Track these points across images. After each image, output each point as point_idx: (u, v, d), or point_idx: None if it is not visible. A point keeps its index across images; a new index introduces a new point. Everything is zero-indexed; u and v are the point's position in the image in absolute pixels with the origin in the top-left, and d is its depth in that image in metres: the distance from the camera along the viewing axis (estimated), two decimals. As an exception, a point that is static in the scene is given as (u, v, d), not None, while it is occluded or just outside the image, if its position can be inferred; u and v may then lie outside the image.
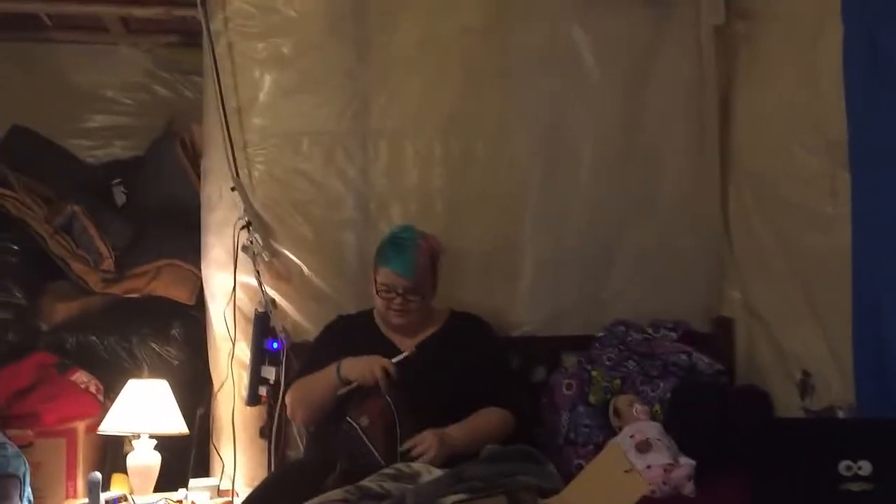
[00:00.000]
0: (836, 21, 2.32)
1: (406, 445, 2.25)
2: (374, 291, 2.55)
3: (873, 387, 2.24)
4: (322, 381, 2.42)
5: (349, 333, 2.58)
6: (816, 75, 2.48)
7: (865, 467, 1.79)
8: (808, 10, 2.52)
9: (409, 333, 2.56)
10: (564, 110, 2.95)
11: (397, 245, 2.54)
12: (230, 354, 2.78)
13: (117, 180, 3.51)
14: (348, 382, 2.36)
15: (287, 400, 2.52)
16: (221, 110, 2.75)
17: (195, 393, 3.02)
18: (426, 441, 2.26)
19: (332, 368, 2.39)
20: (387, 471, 2.09)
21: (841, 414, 2.24)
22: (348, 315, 2.68)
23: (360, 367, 2.36)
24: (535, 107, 2.93)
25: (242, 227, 2.74)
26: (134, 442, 2.77)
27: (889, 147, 2.18)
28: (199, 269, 2.96)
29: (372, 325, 2.60)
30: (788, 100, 2.64)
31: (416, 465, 2.07)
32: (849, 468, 1.82)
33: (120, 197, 3.52)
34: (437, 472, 2.00)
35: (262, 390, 2.71)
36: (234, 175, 2.76)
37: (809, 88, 2.51)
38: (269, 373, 2.69)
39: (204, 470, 2.89)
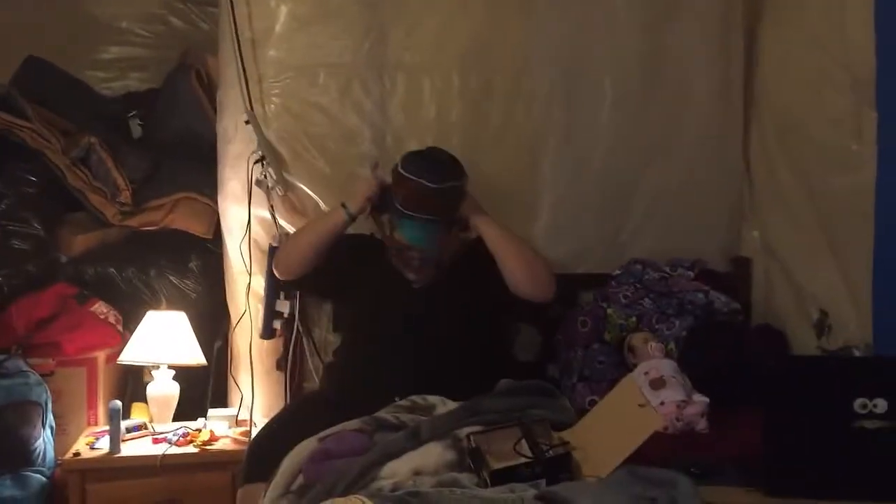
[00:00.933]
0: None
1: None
2: (384, 231, 2.53)
3: (891, 327, 2.24)
4: (322, 221, 2.55)
5: (363, 252, 2.57)
6: (845, 13, 2.42)
7: (881, 405, 1.79)
8: (837, -55, 2.44)
9: (419, 278, 2.53)
10: (586, 46, 2.88)
11: None
12: (247, 287, 2.78)
13: (133, 112, 3.49)
14: (353, 218, 2.47)
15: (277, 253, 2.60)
16: (235, 42, 2.70)
17: (213, 325, 3.05)
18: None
19: (335, 208, 2.51)
20: (402, 402, 2.12)
21: (857, 353, 2.24)
22: (371, 236, 2.66)
23: (356, 195, 2.47)
24: (557, 42, 2.87)
25: (256, 161, 2.72)
26: (153, 372, 2.81)
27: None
28: (216, 203, 2.96)
29: (385, 255, 2.57)
30: (816, 37, 2.57)
31: (431, 398, 2.09)
32: (864, 406, 1.82)
33: (136, 129, 3.50)
34: (452, 405, 2.02)
35: (277, 324, 2.72)
36: (248, 108, 2.73)
37: (838, 26, 2.45)
38: (284, 306, 2.70)
39: (222, 401, 2.93)
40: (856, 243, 2.35)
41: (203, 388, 2.98)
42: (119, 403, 2.61)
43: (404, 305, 2.46)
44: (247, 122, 2.73)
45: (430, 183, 2.43)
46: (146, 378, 2.88)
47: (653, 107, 2.90)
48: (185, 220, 3.17)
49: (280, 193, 2.75)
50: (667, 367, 2.46)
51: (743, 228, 2.98)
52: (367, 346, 2.38)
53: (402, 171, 2.47)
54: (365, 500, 1.41)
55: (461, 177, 2.51)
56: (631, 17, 2.86)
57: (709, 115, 2.92)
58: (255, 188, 2.74)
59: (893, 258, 2.24)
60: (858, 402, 1.82)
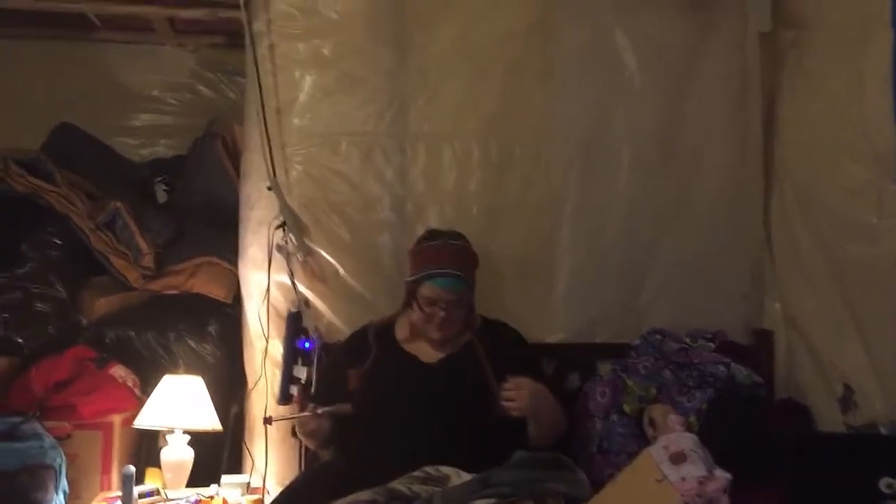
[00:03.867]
0: (885, 28, 2.26)
1: (506, 387, 2.28)
2: (409, 301, 2.51)
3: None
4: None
5: (370, 349, 2.50)
6: (864, 84, 2.43)
7: (907, 485, 1.74)
8: (855, 17, 2.46)
9: (442, 343, 2.49)
10: (604, 115, 2.92)
11: None
12: (264, 352, 2.78)
13: (160, 178, 3.56)
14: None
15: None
16: (261, 110, 2.76)
17: (230, 390, 3.04)
18: (522, 387, 2.28)
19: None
20: (416, 473, 2.08)
21: (883, 430, 2.18)
22: (369, 327, 2.59)
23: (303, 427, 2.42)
24: (575, 111, 2.91)
25: (277, 227, 2.75)
26: (168, 437, 2.80)
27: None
28: (237, 268, 2.98)
29: (391, 337, 2.54)
30: (835, 109, 2.58)
31: (445, 469, 2.06)
32: (890, 486, 1.77)
33: (162, 195, 3.57)
34: (466, 477, 1.99)
35: (294, 389, 2.71)
36: (271, 175, 2.77)
37: (857, 97, 2.46)
38: (301, 372, 2.69)
39: (236, 467, 2.91)
40: (879, 317, 2.32)
41: (218, 455, 2.96)
42: (132, 469, 2.59)
43: (417, 381, 2.42)
44: (269, 189, 2.76)
45: (448, 241, 2.52)
46: (161, 443, 2.86)
47: (670, 174, 2.92)
48: (205, 285, 3.19)
49: (300, 259, 2.76)
50: (688, 442, 2.40)
51: (765, 299, 2.95)
52: (380, 420, 2.35)
53: (420, 245, 2.54)
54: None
55: (470, 244, 2.57)
56: (648, 86, 2.90)
57: (726, 182, 2.93)
58: (275, 253, 2.76)
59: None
60: (884, 481, 1.77)
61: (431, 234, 2.59)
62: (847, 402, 2.40)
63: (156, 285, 3.20)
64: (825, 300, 2.61)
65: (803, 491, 1.88)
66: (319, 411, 2.34)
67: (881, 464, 1.77)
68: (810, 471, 1.88)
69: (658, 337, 2.83)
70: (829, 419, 2.50)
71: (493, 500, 1.79)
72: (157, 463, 2.83)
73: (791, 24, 2.82)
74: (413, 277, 2.49)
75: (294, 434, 2.68)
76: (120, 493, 2.60)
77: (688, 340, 2.82)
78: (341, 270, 2.83)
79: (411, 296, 2.50)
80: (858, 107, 2.45)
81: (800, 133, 2.82)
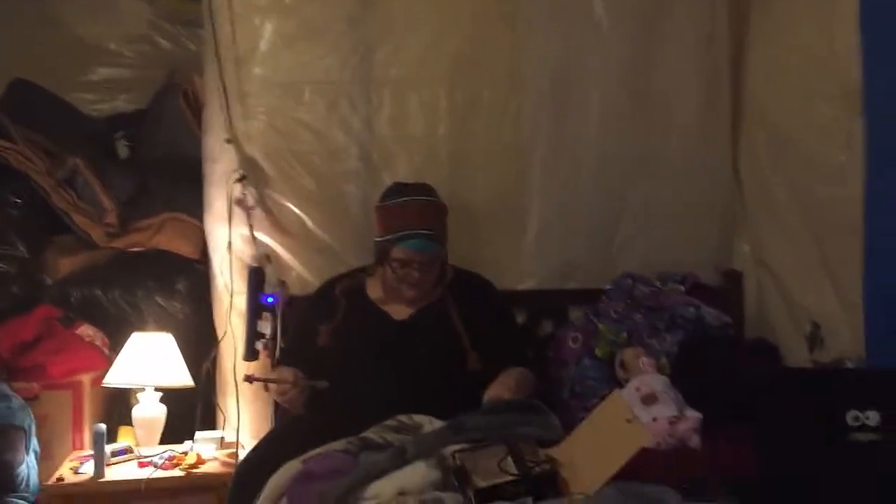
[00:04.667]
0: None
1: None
2: (380, 261, 2.46)
3: (884, 338, 2.21)
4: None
5: (338, 304, 2.46)
6: (832, 23, 2.42)
7: (873, 417, 1.76)
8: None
9: (414, 300, 2.46)
10: (573, 60, 2.88)
11: None
12: (229, 308, 2.75)
13: (120, 133, 3.47)
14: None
15: None
16: (217, 60, 2.69)
17: (201, 347, 3.00)
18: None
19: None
20: (389, 422, 2.08)
21: (850, 365, 2.21)
22: (338, 279, 2.56)
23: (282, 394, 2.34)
24: (543, 56, 2.87)
25: (236, 180, 2.70)
26: (139, 395, 2.77)
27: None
28: (203, 223, 2.93)
29: (363, 295, 2.50)
30: (804, 49, 2.58)
31: (418, 417, 2.06)
32: (856, 418, 1.79)
33: (123, 150, 3.49)
34: (439, 424, 1.99)
35: (259, 345, 2.68)
36: (229, 126, 2.71)
37: (825, 37, 2.45)
38: (265, 327, 2.66)
39: (210, 423, 2.89)
40: (846, 255, 2.34)
41: (192, 411, 2.94)
42: (103, 427, 2.57)
43: (389, 337, 2.40)
44: (228, 141, 2.70)
45: (416, 197, 2.44)
46: (133, 401, 2.84)
47: (640, 120, 2.90)
48: (171, 241, 3.14)
49: (261, 213, 2.72)
50: (658, 383, 2.43)
51: (735, 241, 2.96)
52: (351, 375, 2.34)
53: (386, 203, 2.47)
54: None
55: (438, 197, 2.50)
56: (616, 31, 2.86)
57: (697, 127, 2.91)
58: (235, 207, 2.71)
59: (884, 269, 2.22)
60: (851, 414, 1.79)
61: (398, 189, 2.51)
62: (814, 339, 2.43)
63: (121, 243, 3.13)
64: (794, 240, 2.63)
65: (772, 426, 1.90)
66: (301, 382, 2.31)
67: (848, 397, 1.80)
68: (779, 407, 1.90)
69: (629, 281, 2.84)
70: (798, 357, 2.53)
71: (464, 445, 1.79)
72: (129, 421, 2.81)
73: (759, -38, 2.79)
74: (383, 238, 2.44)
75: (247, 380, 2.66)
76: (92, 452, 2.58)
77: (658, 284, 2.84)
78: (308, 222, 2.79)
79: (383, 256, 2.45)
80: (826, 45, 2.43)
81: (768, 74, 2.81)
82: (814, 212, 2.54)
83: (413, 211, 2.42)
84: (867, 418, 1.77)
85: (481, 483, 1.68)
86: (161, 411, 2.78)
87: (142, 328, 2.93)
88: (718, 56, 2.89)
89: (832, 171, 2.41)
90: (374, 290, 2.51)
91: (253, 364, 2.71)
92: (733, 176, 2.93)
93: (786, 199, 2.67)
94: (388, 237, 2.42)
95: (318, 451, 2.01)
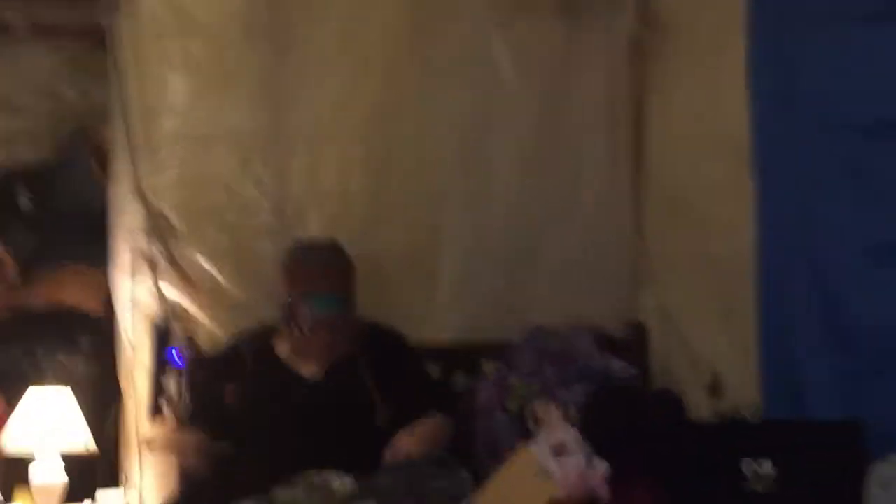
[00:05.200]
0: (739, 34, 2.38)
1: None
2: (289, 322, 2.43)
3: (778, 386, 2.31)
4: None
5: (244, 364, 2.43)
6: (721, 86, 2.56)
7: (766, 466, 1.83)
8: (711, 21, 2.58)
9: (321, 359, 2.44)
10: (483, 116, 2.95)
11: None
12: (132, 365, 2.69)
13: (21, 186, 3.37)
14: None
15: None
16: (122, 113, 2.66)
17: (105, 406, 2.91)
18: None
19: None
20: (297, 480, 2.05)
21: (746, 415, 2.29)
22: (244, 338, 2.53)
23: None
24: (455, 112, 2.92)
25: (144, 234, 2.66)
26: (36, 461, 2.65)
27: (791, 155, 2.25)
28: (108, 276, 2.86)
29: (269, 353, 2.47)
30: (695, 111, 2.71)
31: (326, 474, 2.03)
32: (752, 469, 1.86)
33: (25, 203, 3.37)
34: (347, 479, 1.97)
35: (163, 402, 2.62)
36: (136, 180, 2.67)
37: (715, 99, 2.59)
38: (171, 385, 2.60)
39: (113, 481, 2.78)
40: (742, 307, 2.44)
41: (93, 469, 2.83)
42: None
43: (298, 396, 2.39)
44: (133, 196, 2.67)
45: (322, 256, 2.44)
46: (30, 460, 2.71)
47: (549, 177, 2.97)
48: (75, 296, 3.06)
49: (167, 269, 2.68)
50: (568, 434, 2.46)
51: (640, 294, 3.05)
52: (259, 434, 2.30)
53: (292, 263, 2.47)
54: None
55: (345, 254, 2.51)
56: (522, 94, 2.94)
57: (602, 181, 2.99)
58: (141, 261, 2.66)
59: (779, 320, 2.32)
60: (744, 463, 1.86)
61: (302, 249, 2.51)
62: (715, 388, 2.51)
63: (21, 299, 3.03)
64: (694, 293, 2.73)
65: (675, 475, 1.95)
66: (204, 448, 2.25)
67: (743, 446, 1.86)
68: (681, 457, 1.95)
69: (540, 334, 2.88)
70: (701, 407, 2.60)
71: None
72: (26, 479, 2.67)
73: (656, 28, 2.93)
74: (290, 300, 2.43)
75: (148, 446, 2.59)
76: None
77: (569, 336, 2.89)
78: (220, 277, 2.75)
79: (290, 316, 2.43)
80: (716, 108, 2.57)
81: (664, 134, 2.93)
82: (710, 265, 2.64)
83: (319, 271, 2.41)
84: (760, 467, 1.83)
85: (391, 543, 1.67)
86: (61, 477, 2.66)
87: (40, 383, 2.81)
88: (618, 116, 2.99)
89: (725, 226, 2.53)
90: (282, 348, 2.48)
91: (157, 422, 2.64)
92: (636, 232, 3.03)
93: (685, 254, 2.78)
94: (295, 297, 2.40)
95: (225, 512, 1.96)
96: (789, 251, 2.30)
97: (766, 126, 2.35)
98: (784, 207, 2.31)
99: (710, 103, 2.58)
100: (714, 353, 2.60)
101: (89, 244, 3.05)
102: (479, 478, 2.13)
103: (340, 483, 2.01)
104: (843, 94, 2.21)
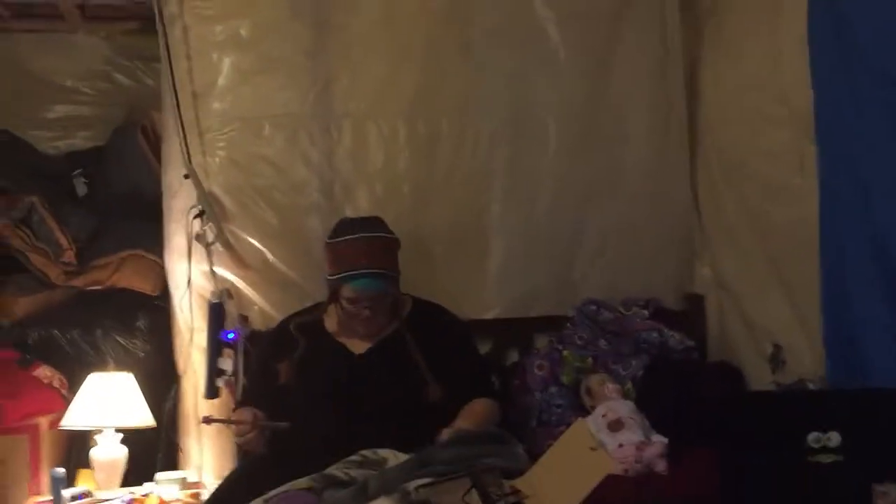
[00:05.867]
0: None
1: None
2: (332, 299, 2.43)
3: (842, 358, 2.23)
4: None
5: (296, 341, 2.43)
6: (781, 48, 2.46)
7: (834, 438, 1.77)
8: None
9: (370, 335, 2.44)
10: (529, 88, 2.91)
11: None
12: (190, 345, 2.72)
13: (78, 171, 3.43)
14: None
15: None
16: (174, 95, 2.67)
17: (162, 386, 2.96)
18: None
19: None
20: (352, 458, 2.05)
21: (811, 386, 2.23)
22: (293, 317, 2.53)
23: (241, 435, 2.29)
24: (499, 85, 2.90)
25: (195, 216, 2.68)
26: (98, 436, 2.71)
27: (853, 117, 2.16)
28: (163, 259, 2.90)
29: (321, 330, 2.47)
30: (754, 74, 2.61)
31: (382, 452, 2.03)
32: (818, 440, 1.80)
33: (81, 188, 3.44)
34: (404, 458, 1.96)
35: (221, 382, 2.64)
36: (187, 162, 2.69)
37: (774, 62, 2.49)
38: (227, 364, 2.63)
39: (172, 463, 2.84)
40: (804, 276, 2.36)
41: (153, 452, 2.89)
42: (62, 471, 2.51)
43: (348, 371, 2.39)
44: (186, 177, 2.68)
45: (364, 234, 2.41)
46: (92, 443, 2.77)
47: (597, 145, 2.93)
48: (131, 279, 3.11)
49: (220, 249, 2.69)
50: (624, 409, 2.44)
51: (695, 265, 2.98)
52: (313, 410, 2.31)
53: (334, 239, 2.45)
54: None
55: (389, 231, 2.47)
56: (570, 62, 2.90)
57: (652, 150, 2.94)
58: (195, 243, 2.69)
59: (841, 289, 2.24)
60: (812, 436, 1.80)
61: (346, 226, 2.48)
62: (776, 360, 2.44)
63: (79, 281, 3.09)
64: (752, 262, 2.65)
65: (736, 449, 1.90)
66: (260, 423, 2.27)
67: (809, 419, 1.80)
68: (742, 429, 1.90)
69: (593, 307, 2.84)
70: (760, 379, 2.54)
71: (429, 480, 1.77)
72: (88, 464, 2.74)
73: (710, -14, 2.84)
74: (333, 277, 2.42)
75: (205, 421, 2.61)
76: (50, 498, 2.52)
77: (622, 309, 2.85)
78: (270, 256, 2.77)
79: (334, 293, 2.43)
80: (776, 71, 2.48)
81: (721, 99, 2.85)
82: (770, 234, 2.56)
83: (361, 249, 2.39)
84: (829, 440, 1.78)
85: (445, 517, 1.66)
86: (121, 453, 2.72)
87: (101, 368, 2.87)
88: (672, 83, 2.93)
89: (786, 193, 2.45)
90: (330, 323, 2.49)
91: (215, 402, 2.67)
92: (692, 201, 2.96)
93: (742, 223, 2.70)
94: (336, 276, 2.40)
95: (281, 489, 1.97)
96: (850, 217, 2.20)
97: (827, 87, 2.25)
98: (845, 172, 2.22)
99: (768, 66, 2.49)
100: (774, 323, 2.53)
101: (144, 227, 3.10)
102: (533, 453, 2.11)
103: (394, 458, 2.00)
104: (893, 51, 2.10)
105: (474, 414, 2.29)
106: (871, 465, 1.75)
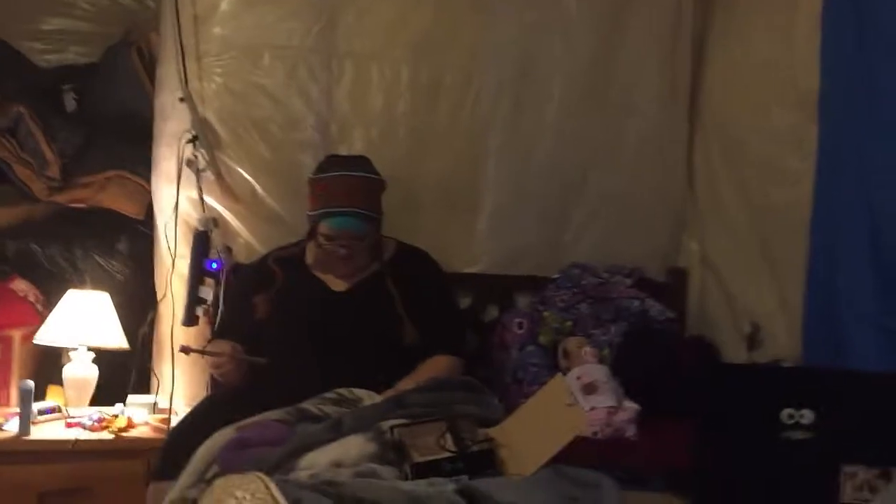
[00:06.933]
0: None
1: None
2: (311, 235, 2.42)
3: (820, 342, 2.25)
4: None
5: (275, 274, 2.42)
6: (793, 26, 2.44)
7: (807, 416, 1.79)
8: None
9: (347, 275, 2.43)
10: (537, 45, 2.88)
11: None
12: (171, 271, 2.69)
13: (68, 85, 3.35)
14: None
15: None
16: (175, 16, 2.61)
17: (139, 309, 2.93)
18: None
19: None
20: (328, 395, 2.05)
21: (786, 365, 2.25)
22: (275, 253, 2.51)
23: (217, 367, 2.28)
24: (508, 39, 2.86)
25: (188, 141, 2.63)
26: (70, 353, 2.69)
27: (864, 101, 2.15)
28: (150, 183, 2.86)
29: (302, 266, 2.46)
30: (763, 53, 2.60)
31: (358, 391, 2.04)
32: (791, 416, 1.82)
33: (70, 103, 3.35)
34: (378, 398, 1.97)
35: (200, 311, 2.63)
36: (184, 85, 2.64)
37: (785, 40, 2.47)
38: (207, 293, 2.61)
39: (144, 387, 2.82)
40: (790, 257, 2.37)
41: (126, 374, 2.87)
42: (31, 383, 2.49)
43: (326, 308, 2.38)
44: (181, 100, 2.63)
45: (348, 172, 2.39)
46: (64, 360, 2.75)
47: (599, 110, 2.90)
48: (116, 200, 3.05)
49: (211, 177, 2.66)
50: (599, 373, 2.45)
51: (683, 239, 2.99)
52: (289, 346, 2.30)
53: (318, 176, 2.43)
54: (263, 477, 1.34)
55: (374, 171, 2.45)
56: (583, 21, 2.86)
57: (654, 122, 2.93)
58: (187, 168, 2.64)
59: (825, 272, 2.25)
60: (785, 412, 1.81)
61: (331, 163, 2.46)
62: (754, 339, 2.46)
63: (62, 198, 3.03)
64: (740, 240, 2.66)
65: (708, 421, 1.91)
66: (238, 356, 2.26)
67: (783, 395, 1.82)
68: (715, 402, 1.91)
69: (577, 271, 2.85)
70: (736, 357, 2.57)
71: (403, 420, 1.78)
72: (59, 381, 2.73)
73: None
74: (312, 213, 2.40)
75: (183, 351, 2.59)
76: (18, 410, 2.50)
77: (606, 275, 2.85)
78: (259, 190, 2.74)
79: (313, 230, 2.42)
80: (786, 50, 2.46)
81: (727, 77, 2.83)
82: (762, 214, 2.57)
83: (343, 187, 2.37)
84: (802, 416, 1.79)
85: (418, 458, 1.67)
86: (93, 372, 2.70)
87: (78, 286, 2.84)
88: (680, 53, 2.91)
89: (784, 174, 2.45)
90: (311, 257, 2.47)
91: (191, 330, 2.65)
92: (686, 174, 2.95)
93: (735, 201, 2.70)
94: (316, 212, 2.38)
95: (253, 419, 1.97)
96: (845, 203, 2.21)
97: (836, 72, 2.24)
98: (844, 158, 2.22)
99: (778, 47, 2.47)
100: (755, 303, 2.55)
101: (132, 149, 3.05)
102: (507, 408, 2.12)
103: (369, 398, 2.00)
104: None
105: (434, 371, 2.28)
106: (842, 445, 1.76)
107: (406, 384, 2.18)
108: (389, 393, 2.10)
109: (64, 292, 2.76)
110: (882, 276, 2.07)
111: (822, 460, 1.77)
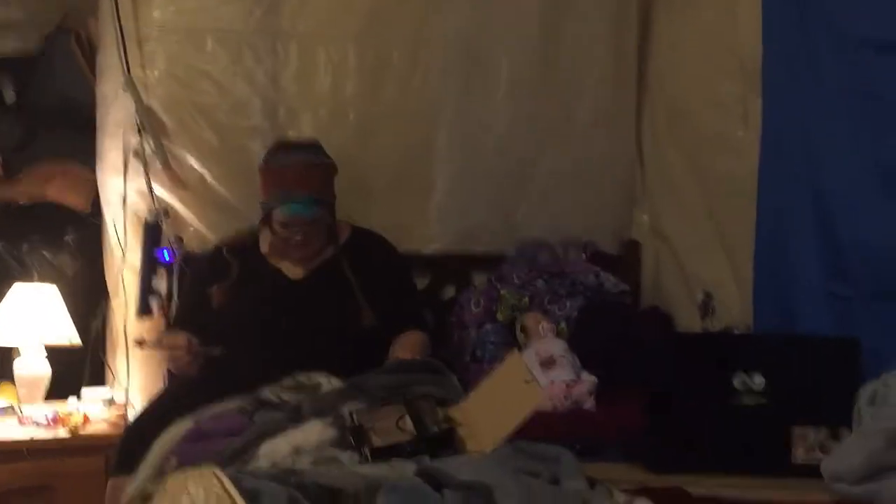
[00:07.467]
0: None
1: None
2: (265, 222, 2.39)
3: (770, 310, 2.30)
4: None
5: (230, 264, 2.38)
6: (737, 2, 2.46)
7: (758, 380, 1.83)
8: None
9: (304, 260, 2.41)
10: (484, 25, 2.87)
11: None
12: (121, 263, 2.64)
13: (6, 77, 3.25)
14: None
15: None
16: (112, 2, 2.55)
17: (90, 303, 2.89)
18: None
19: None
20: (286, 381, 2.03)
21: (737, 332, 2.29)
22: (229, 242, 2.47)
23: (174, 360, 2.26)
24: (455, 19, 2.84)
25: (137, 131, 2.58)
26: (21, 349, 2.63)
27: (804, 74, 2.19)
28: (96, 174, 2.80)
29: (257, 255, 2.44)
30: (707, 26, 2.63)
31: (316, 376, 2.02)
32: (743, 382, 1.86)
33: (10, 95, 3.26)
34: (336, 382, 1.96)
35: (154, 302, 2.59)
36: (126, 72, 2.58)
37: (728, 12, 2.50)
38: (161, 284, 2.57)
39: (99, 381, 2.78)
40: (739, 227, 2.42)
41: (79, 368, 2.82)
42: (-21, 384, 2.44)
43: (283, 296, 2.37)
44: (125, 89, 2.58)
45: (298, 157, 2.37)
46: (14, 355, 2.69)
47: (548, 89, 2.91)
48: (61, 192, 2.98)
49: (159, 165, 2.61)
50: (557, 347, 2.48)
51: (634, 212, 3.03)
52: (246, 335, 2.28)
53: (268, 164, 2.40)
54: (216, 471, 1.33)
55: (325, 155, 2.43)
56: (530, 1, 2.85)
57: (602, 100, 2.94)
58: (132, 159, 2.59)
59: (773, 241, 2.30)
60: (738, 378, 1.86)
61: (281, 149, 2.43)
62: (706, 308, 2.50)
63: (5, 193, 2.96)
64: (690, 211, 2.71)
65: (662, 390, 1.95)
66: (195, 349, 2.23)
67: (735, 361, 1.86)
68: (670, 370, 1.95)
69: (532, 248, 2.87)
70: (690, 326, 2.61)
71: (363, 405, 1.77)
72: (10, 377, 2.67)
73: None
74: (265, 201, 2.38)
75: (138, 344, 2.56)
76: (-32, 411, 2.45)
77: (560, 251, 2.87)
78: (208, 177, 2.70)
79: (266, 217, 2.39)
80: (730, 22, 2.49)
81: (673, 51, 2.86)
82: (710, 185, 2.61)
83: (295, 174, 2.34)
84: (753, 381, 1.84)
85: (378, 442, 1.67)
86: (45, 368, 2.65)
87: (25, 280, 2.78)
88: (627, 30, 2.93)
89: (729, 145, 2.49)
90: (265, 246, 2.45)
91: (146, 322, 2.61)
92: (635, 148, 2.98)
93: (683, 172, 2.74)
94: (269, 201, 2.36)
95: (213, 409, 1.95)
96: (791, 173, 2.26)
97: (778, 44, 2.27)
98: (789, 128, 2.26)
99: (721, 18, 2.50)
100: (707, 272, 2.60)
101: (75, 140, 2.97)
102: (465, 387, 2.13)
103: (328, 383, 1.99)
104: (856, 11, 2.12)
105: (411, 344, 2.29)
106: (792, 408, 1.82)
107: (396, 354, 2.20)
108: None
109: (9, 288, 2.69)
110: (828, 244, 2.13)
111: (774, 423, 1.82)
